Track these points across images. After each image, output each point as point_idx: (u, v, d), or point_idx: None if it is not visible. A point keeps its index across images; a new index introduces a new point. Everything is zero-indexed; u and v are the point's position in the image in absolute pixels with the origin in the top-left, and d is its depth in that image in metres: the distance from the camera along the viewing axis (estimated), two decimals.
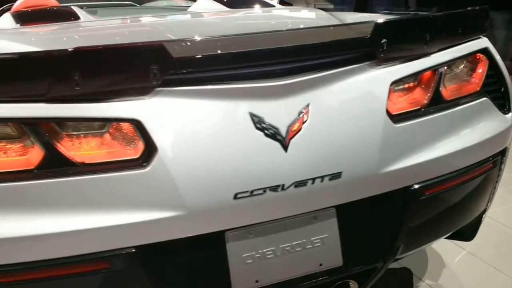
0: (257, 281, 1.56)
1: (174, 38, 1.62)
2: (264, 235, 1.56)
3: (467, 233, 2.10)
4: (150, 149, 1.38)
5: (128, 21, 2.32)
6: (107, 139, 1.39)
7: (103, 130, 1.38)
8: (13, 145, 1.34)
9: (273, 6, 2.64)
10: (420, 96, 1.72)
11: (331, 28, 1.61)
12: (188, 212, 1.41)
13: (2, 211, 1.32)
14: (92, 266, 1.39)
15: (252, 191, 1.45)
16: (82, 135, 1.37)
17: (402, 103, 1.68)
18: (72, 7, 2.45)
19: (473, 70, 1.88)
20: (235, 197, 1.44)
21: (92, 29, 2.03)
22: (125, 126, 1.38)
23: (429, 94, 1.73)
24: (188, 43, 1.40)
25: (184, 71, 1.37)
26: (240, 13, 2.42)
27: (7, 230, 1.32)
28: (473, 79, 1.87)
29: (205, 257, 1.52)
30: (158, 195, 1.38)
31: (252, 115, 1.44)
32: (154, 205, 1.39)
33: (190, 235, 1.45)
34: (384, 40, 1.56)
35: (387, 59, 1.61)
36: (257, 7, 2.64)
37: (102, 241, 1.38)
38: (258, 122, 1.45)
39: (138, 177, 1.37)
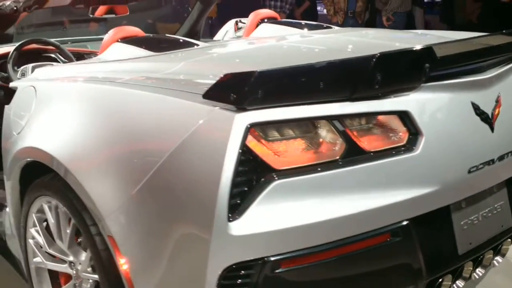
0: (470, 243, 1.88)
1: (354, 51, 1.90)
2: (472, 204, 1.88)
3: None
4: (416, 135, 1.66)
5: (269, 41, 2.53)
6: (383, 129, 1.65)
7: (381, 122, 1.64)
8: (322, 140, 1.56)
9: (331, 27, 2.98)
10: None
11: (504, 33, 1.99)
12: (442, 186, 1.70)
13: (318, 197, 1.53)
14: (377, 239, 1.62)
15: (478, 166, 1.78)
16: (369, 127, 1.62)
17: None
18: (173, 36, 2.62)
19: None
20: (469, 171, 1.76)
21: (263, 47, 2.28)
22: (396, 117, 1.65)
23: None
24: (444, 46, 1.71)
25: (439, 69, 1.68)
26: (347, 32, 2.74)
27: (324, 213, 1.53)
28: None
29: (440, 226, 1.80)
30: (424, 174, 1.67)
31: (473, 104, 1.78)
32: (420, 182, 1.67)
33: (438, 207, 1.74)
34: None
35: None
36: (328, 28, 2.96)
37: (386, 217, 1.62)
38: (477, 109, 1.79)
39: (410, 160, 1.64)
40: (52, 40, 3.62)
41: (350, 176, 1.57)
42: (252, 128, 1.47)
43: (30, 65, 3.34)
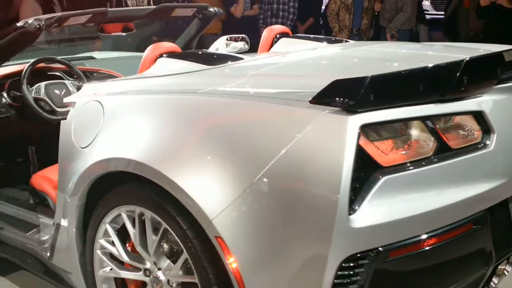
0: None
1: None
2: None
3: None
4: (489, 133, 1.84)
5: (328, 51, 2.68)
6: (463, 128, 1.83)
7: (461, 121, 1.82)
8: (418, 139, 1.72)
9: (347, 40, 3.17)
10: None
11: None
12: (510, 178, 1.89)
13: (418, 191, 1.69)
14: (464, 228, 1.79)
15: None
16: (452, 126, 1.80)
17: None
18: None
19: None
20: None
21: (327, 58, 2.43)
22: (472, 117, 1.83)
23: None
24: (508, 53, 1.90)
25: (506, 72, 1.88)
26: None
27: (425, 205, 1.69)
28: None
29: (502, 215, 1.98)
30: (497, 167, 1.85)
31: None
32: (494, 175, 1.85)
33: (507, 197, 1.92)
34: None
35: None
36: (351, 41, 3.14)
37: (473, 206, 1.79)
38: None
39: (486, 155, 1.82)
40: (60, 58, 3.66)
41: (442, 171, 1.74)
42: (363, 129, 1.61)
43: (43, 84, 3.35)
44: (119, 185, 2.09)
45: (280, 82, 2.01)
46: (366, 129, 1.63)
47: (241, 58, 2.53)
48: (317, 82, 1.76)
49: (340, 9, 6.03)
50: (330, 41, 3.12)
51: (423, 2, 6.28)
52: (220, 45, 3.81)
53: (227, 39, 3.73)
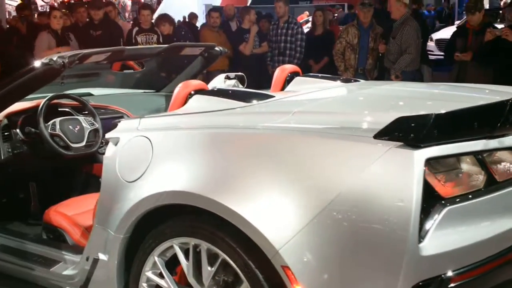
0: None
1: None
2: None
3: None
4: None
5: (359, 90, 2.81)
6: (502, 162, 1.96)
7: (501, 156, 1.96)
8: (472, 172, 1.85)
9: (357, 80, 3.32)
10: None
11: None
12: None
13: (474, 220, 1.81)
14: (509, 255, 1.91)
15: None
16: (496, 161, 1.94)
17: None
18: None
19: None
20: None
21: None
22: (510, 152, 1.98)
23: None
24: None
25: None
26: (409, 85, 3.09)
27: (481, 234, 1.81)
28: None
29: None
30: None
31: None
32: None
33: None
34: None
35: None
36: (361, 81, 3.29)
37: None
38: None
39: None
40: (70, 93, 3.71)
41: (491, 202, 1.86)
42: (426, 163, 1.73)
43: (58, 120, 3.40)
44: (170, 218, 2.15)
45: (331, 118, 2.11)
46: (430, 163, 1.75)
47: (273, 96, 2.64)
48: (372, 119, 1.90)
49: (345, 49, 6.18)
50: (342, 80, 3.27)
51: (428, 43, 6.47)
52: (218, 83, 3.91)
53: (225, 77, 3.84)
